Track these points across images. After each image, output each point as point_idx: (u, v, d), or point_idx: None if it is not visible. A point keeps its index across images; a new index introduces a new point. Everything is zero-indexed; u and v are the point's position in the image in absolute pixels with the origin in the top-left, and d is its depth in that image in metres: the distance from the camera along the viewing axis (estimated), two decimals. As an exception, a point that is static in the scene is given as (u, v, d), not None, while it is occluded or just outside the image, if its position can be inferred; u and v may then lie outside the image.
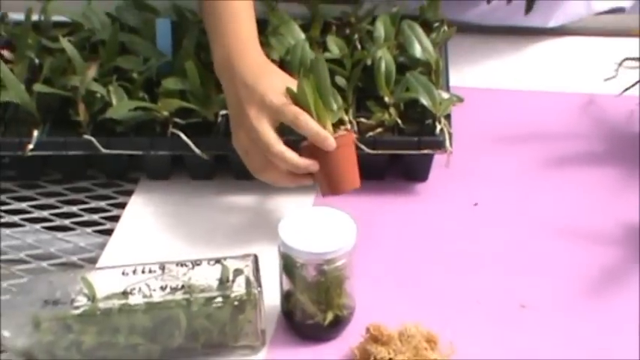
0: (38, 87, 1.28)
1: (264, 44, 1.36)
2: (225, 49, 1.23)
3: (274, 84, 1.19)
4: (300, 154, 1.17)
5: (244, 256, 1.10)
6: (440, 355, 1.06)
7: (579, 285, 1.15)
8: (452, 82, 1.35)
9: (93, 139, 1.26)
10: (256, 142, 1.17)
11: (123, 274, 1.08)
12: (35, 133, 1.26)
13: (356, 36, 1.41)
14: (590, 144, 1.34)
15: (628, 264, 1.17)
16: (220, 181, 1.29)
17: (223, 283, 1.07)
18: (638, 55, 1.32)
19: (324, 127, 1.18)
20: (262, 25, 1.40)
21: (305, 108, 1.17)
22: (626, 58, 1.33)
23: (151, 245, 1.22)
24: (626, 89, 1.32)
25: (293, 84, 1.19)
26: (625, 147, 1.33)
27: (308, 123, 1.16)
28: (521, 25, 1.51)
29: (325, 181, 1.17)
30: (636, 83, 1.31)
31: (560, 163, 1.31)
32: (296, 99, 1.18)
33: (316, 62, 1.22)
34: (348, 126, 1.23)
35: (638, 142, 1.32)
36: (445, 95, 1.29)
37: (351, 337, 1.09)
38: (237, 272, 1.08)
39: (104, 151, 1.26)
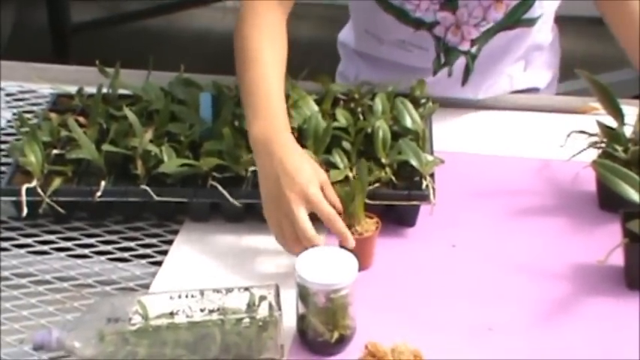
0: (106, 147, 1.29)
1: (286, 115, 1.37)
2: (262, 129, 1.21)
3: (311, 176, 1.17)
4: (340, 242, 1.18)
5: (268, 285, 1.09)
6: (424, 368, 1.05)
7: (536, 312, 1.15)
8: (435, 147, 1.35)
9: (148, 188, 1.26)
10: (293, 224, 1.15)
11: (170, 298, 1.08)
12: (102, 183, 1.26)
13: (359, 109, 1.40)
14: (545, 199, 1.33)
15: (575, 296, 1.16)
16: (249, 224, 1.28)
17: (251, 307, 1.07)
18: (582, 129, 1.32)
19: (359, 223, 1.19)
20: (285, 99, 1.41)
21: (344, 206, 1.18)
22: (573, 131, 1.33)
23: (192, 275, 1.21)
24: (574, 156, 1.32)
25: (321, 172, 1.19)
26: (572, 202, 1.32)
27: (336, 224, 1.16)
28: (457, 96, 1.49)
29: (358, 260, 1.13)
30: (582, 151, 1.30)
31: (522, 214, 1.30)
32: (343, 198, 1.18)
33: (362, 166, 1.21)
34: (376, 219, 1.21)
35: (582, 198, 1.32)
36: (430, 158, 1.29)
37: (353, 352, 1.08)
38: (262, 298, 1.08)
39: (156, 198, 1.26)
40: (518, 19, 1.43)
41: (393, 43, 1.48)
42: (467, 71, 1.47)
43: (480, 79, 1.49)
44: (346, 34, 1.62)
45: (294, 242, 1.16)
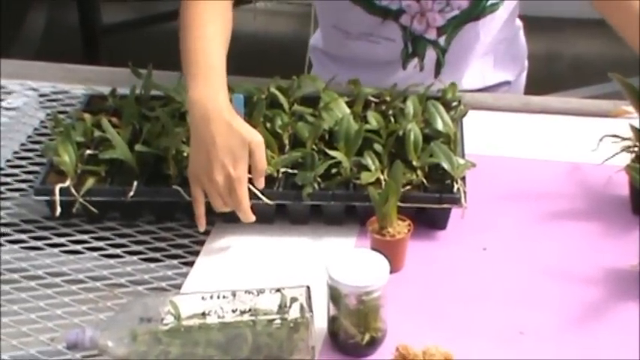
0: (138, 147, 1.29)
1: (317, 116, 1.37)
2: (198, 93, 1.21)
3: (238, 146, 1.20)
4: (372, 244, 1.19)
5: (299, 287, 1.09)
6: (455, 371, 1.05)
7: (567, 316, 1.14)
8: (466, 150, 1.34)
9: (180, 188, 1.26)
10: (234, 164, 1.18)
11: (202, 298, 1.08)
12: (135, 183, 1.27)
13: (390, 112, 1.40)
14: (576, 203, 1.32)
15: (607, 301, 1.16)
16: (280, 225, 1.29)
17: (282, 308, 1.07)
18: (614, 133, 1.31)
19: (391, 225, 1.18)
20: (316, 101, 1.41)
21: (378, 208, 1.18)
22: (605, 135, 1.32)
23: (224, 275, 1.21)
24: (606, 160, 1.31)
25: (254, 134, 1.21)
26: (604, 206, 1.31)
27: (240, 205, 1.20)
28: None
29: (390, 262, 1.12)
30: (614, 155, 1.29)
31: (553, 217, 1.30)
32: (376, 200, 1.18)
33: (396, 168, 1.21)
34: (408, 222, 1.21)
35: (615, 203, 1.31)
36: (461, 161, 1.28)
37: (384, 354, 1.08)
38: (293, 300, 1.08)
39: (188, 198, 1.25)
40: (483, 7, 1.45)
41: (360, 36, 1.50)
42: (438, 65, 1.48)
43: (450, 74, 1.49)
44: (315, 38, 1.63)
45: (218, 206, 1.21)
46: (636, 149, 1.27)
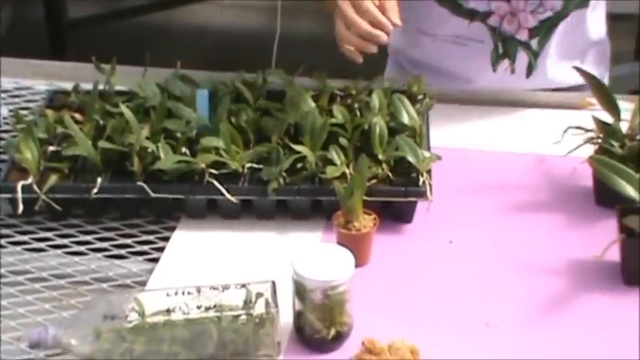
0: (102, 143, 1.28)
1: (282, 110, 1.37)
2: None
3: None
4: (338, 238, 1.18)
5: (264, 282, 1.09)
6: (421, 364, 1.05)
7: (532, 308, 1.14)
8: (432, 143, 1.35)
9: (144, 185, 1.25)
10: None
11: (167, 295, 1.07)
12: (99, 180, 1.26)
13: (356, 105, 1.40)
14: (541, 195, 1.33)
15: (571, 292, 1.16)
16: (246, 220, 1.28)
17: (247, 303, 1.07)
18: (578, 125, 1.32)
19: (357, 219, 1.18)
20: (282, 96, 1.41)
21: (342, 202, 1.18)
22: (569, 127, 1.32)
23: (190, 271, 1.20)
24: (570, 151, 1.31)
25: None
26: (569, 198, 1.32)
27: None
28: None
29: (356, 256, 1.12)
30: (578, 147, 1.30)
31: (518, 210, 1.30)
32: (341, 194, 1.18)
33: (361, 162, 1.21)
34: (374, 216, 1.21)
35: (579, 194, 1.32)
36: (427, 154, 1.28)
37: (350, 348, 1.08)
38: (259, 295, 1.07)
39: (153, 195, 1.25)
40: (575, 4, 1.43)
41: (447, 39, 1.48)
42: (530, 68, 1.47)
43: (542, 76, 1.49)
44: (397, 44, 1.59)
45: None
46: (599, 141, 1.28)
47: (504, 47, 1.46)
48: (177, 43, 2.96)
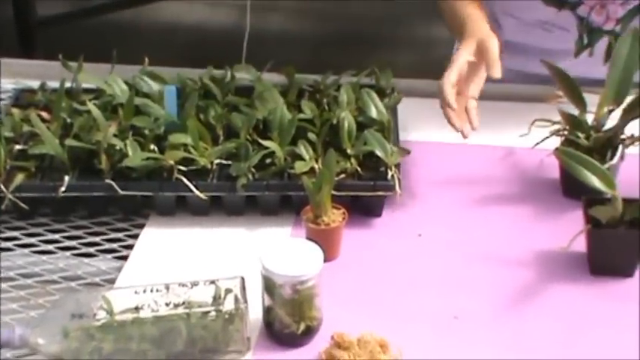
0: (69, 141, 1.27)
1: (251, 106, 1.37)
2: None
3: None
4: (307, 233, 1.19)
5: (233, 278, 1.09)
6: (390, 358, 1.05)
7: (501, 299, 1.15)
8: (401, 137, 1.35)
9: (113, 183, 1.25)
10: None
11: (135, 292, 1.07)
12: (66, 178, 1.25)
13: (325, 100, 1.40)
14: (509, 187, 1.33)
15: (539, 283, 1.17)
16: (215, 217, 1.28)
17: (216, 299, 1.07)
18: (545, 118, 1.32)
19: (326, 214, 1.18)
20: (249, 91, 1.41)
21: (311, 197, 1.18)
22: (536, 120, 1.33)
23: (158, 269, 1.20)
24: (537, 144, 1.32)
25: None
26: (536, 189, 1.33)
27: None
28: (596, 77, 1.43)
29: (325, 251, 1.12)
30: (545, 139, 1.31)
31: (487, 202, 1.31)
32: (310, 189, 1.18)
33: (329, 156, 1.21)
34: (343, 210, 1.21)
35: (546, 186, 1.33)
36: (395, 148, 1.29)
37: (320, 343, 1.08)
38: (228, 291, 1.07)
39: (121, 192, 1.25)
40: None
41: (534, 24, 1.47)
42: (609, 50, 1.43)
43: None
44: None
45: None
46: (566, 133, 1.29)
47: (589, 37, 1.45)
48: (147, 40, 2.94)
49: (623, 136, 1.27)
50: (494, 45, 1.28)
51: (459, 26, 1.35)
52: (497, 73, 1.26)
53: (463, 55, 1.29)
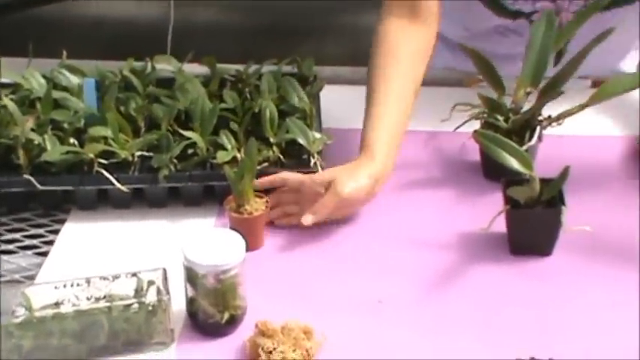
0: (-15, 137, 1.25)
1: (172, 97, 1.36)
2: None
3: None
4: (230, 222, 1.19)
5: (155, 270, 1.08)
6: (314, 344, 1.05)
7: (424, 282, 1.16)
8: (324, 125, 1.35)
9: (31, 178, 1.23)
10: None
11: (55, 288, 1.06)
12: (-17, 174, 1.23)
13: (247, 90, 1.40)
14: (432, 171, 1.35)
15: (461, 265, 1.18)
16: (138, 209, 1.27)
17: (139, 292, 1.06)
18: (466, 102, 1.34)
19: (248, 202, 1.18)
20: (170, 83, 1.39)
21: (234, 186, 1.18)
22: (457, 104, 1.34)
23: (80, 264, 1.18)
24: (458, 127, 1.33)
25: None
26: (458, 172, 1.34)
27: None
28: None
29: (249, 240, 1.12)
30: (465, 123, 1.32)
31: (410, 186, 1.32)
32: (232, 178, 1.18)
33: (250, 145, 1.20)
34: (266, 199, 1.21)
35: (468, 169, 1.34)
36: (317, 135, 1.29)
37: (244, 332, 1.07)
38: (150, 283, 1.06)
39: (41, 187, 1.23)
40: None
41: (489, 29, 1.46)
42: (559, 55, 1.43)
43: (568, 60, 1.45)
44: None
45: None
46: (485, 116, 1.30)
47: None
48: (72, 35, 2.89)
49: (540, 118, 1.29)
50: (334, 198, 1.19)
51: (363, 137, 1.26)
52: (307, 220, 1.19)
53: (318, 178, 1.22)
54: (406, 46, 1.31)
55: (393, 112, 1.27)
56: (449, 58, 1.54)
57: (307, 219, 1.19)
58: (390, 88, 1.28)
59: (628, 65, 1.57)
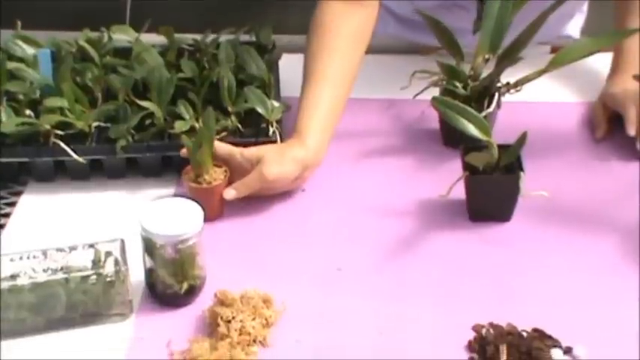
0: (-64, 109, 1.23)
1: (129, 67, 1.34)
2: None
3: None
4: (189, 192, 1.18)
5: (113, 241, 1.07)
6: (274, 312, 1.05)
7: (383, 250, 1.16)
8: (282, 94, 1.34)
9: (-15, 149, 1.21)
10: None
11: (11, 260, 1.04)
12: None
13: (205, 59, 1.38)
14: (392, 139, 1.35)
15: (421, 232, 1.18)
16: (96, 181, 1.26)
17: (96, 263, 1.05)
18: (425, 69, 1.33)
19: (207, 172, 1.17)
20: (127, 52, 1.38)
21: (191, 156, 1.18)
22: (416, 71, 1.34)
23: (37, 236, 1.17)
24: (417, 95, 1.33)
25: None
26: (418, 140, 1.34)
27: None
28: None
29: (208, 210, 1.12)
30: (424, 90, 1.32)
31: (370, 154, 1.32)
32: (189, 148, 1.17)
33: (207, 114, 1.18)
34: (224, 168, 1.20)
35: (427, 136, 1.34)
36: (276, 104, 1.28)
37: (204, 301, 1.07)
38: (108, 254, 1.06)
39: (-6, 159, 1.21)
40: None
41: (434, 4, 1.44)
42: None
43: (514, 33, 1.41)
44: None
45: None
46: (444, 83, 1.30)
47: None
48: (27, 5, 2.85)
49: (499, 85, 1.29)
50: (258, 180, 1.19)
51: (297, 121, 1.25)
52: (228, 195, 1.18)
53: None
54: (344, 27, 1.30)
55: (328, 97, 1.25)
56: (398, 29, 1.54)
57: (229, 193, 1.19)
58: (326, 73, 1.27)
59: (572, 29, 1.58)
